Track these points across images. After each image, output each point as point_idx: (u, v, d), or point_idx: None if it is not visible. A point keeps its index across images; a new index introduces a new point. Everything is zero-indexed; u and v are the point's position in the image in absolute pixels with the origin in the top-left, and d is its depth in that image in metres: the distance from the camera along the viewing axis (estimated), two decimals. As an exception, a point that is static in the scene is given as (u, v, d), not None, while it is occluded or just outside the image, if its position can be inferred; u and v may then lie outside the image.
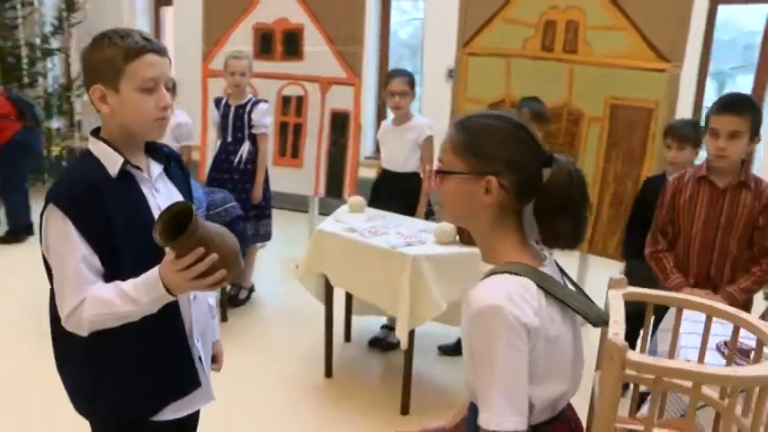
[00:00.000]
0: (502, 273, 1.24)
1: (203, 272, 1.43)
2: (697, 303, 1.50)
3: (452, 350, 3.76)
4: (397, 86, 3.74)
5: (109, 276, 1.52)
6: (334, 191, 4.93)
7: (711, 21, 5.10)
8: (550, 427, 1.30)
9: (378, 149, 4.51)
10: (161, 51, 1.54)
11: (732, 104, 2.43)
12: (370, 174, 4.30)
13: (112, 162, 1.54)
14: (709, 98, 5.16)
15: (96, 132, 1.60)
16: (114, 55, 1.48)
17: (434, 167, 1.51)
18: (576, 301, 1.29)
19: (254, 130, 4.14)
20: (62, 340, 1.62)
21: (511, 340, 1.17)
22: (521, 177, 1.27)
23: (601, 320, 1.31)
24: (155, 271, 1.47)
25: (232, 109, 4.16)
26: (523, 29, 3.96)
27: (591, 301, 1.36)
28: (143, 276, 1.49)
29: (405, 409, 3.21)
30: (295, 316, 4.24)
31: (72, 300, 1.49)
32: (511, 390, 1.18)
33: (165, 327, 1.62)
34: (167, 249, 1.45)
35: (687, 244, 2.58)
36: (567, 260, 3.62)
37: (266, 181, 4.27)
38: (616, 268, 3.68)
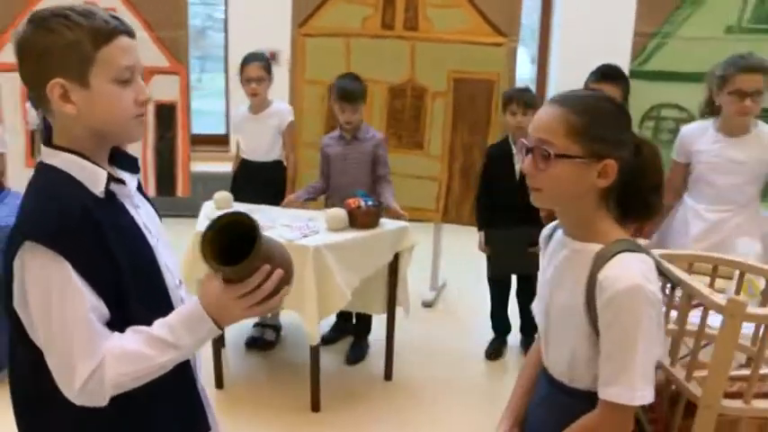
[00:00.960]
0: (623, 251, 1.27)
1: (269, 293, 1.23)
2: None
3: (331, 339, 3.70)
4: (253, 72, 3.54)
5: (117, 326, 1.22)
6: (165, 189, 4.55)
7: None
8: None
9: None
10: (131, 33, 1.26)
11: (606, 74, 2.70)
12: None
13: (93, 178, 1.23)
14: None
15: (49, 142, 1.26)
16: (79, 39, 1.17)
17: (535, 147, 1.32)
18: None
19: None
20: (39, 413, 1.29)
21: (651, 316, 1.23)
22: (628, 158, 1.30)
23: None
24: (194, 304, 1.23)
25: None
26: (362, 8, 3.97)
27: None
28: (179, 314, 1.24)
29: (315, 407, 3.11)
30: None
31: (86, 365, 1.16)
32: (649, 363, 1.24)
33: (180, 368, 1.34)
34: (208, 276, 1.24)
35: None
36: (423, 229, 3.80)
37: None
38: (467, 236, 3.90)
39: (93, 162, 1.24)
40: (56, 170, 1.23)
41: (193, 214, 3.33)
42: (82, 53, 1.18)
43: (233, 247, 1.20)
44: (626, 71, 3.54)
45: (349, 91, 3.32)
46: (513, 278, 3.65)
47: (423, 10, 3.89)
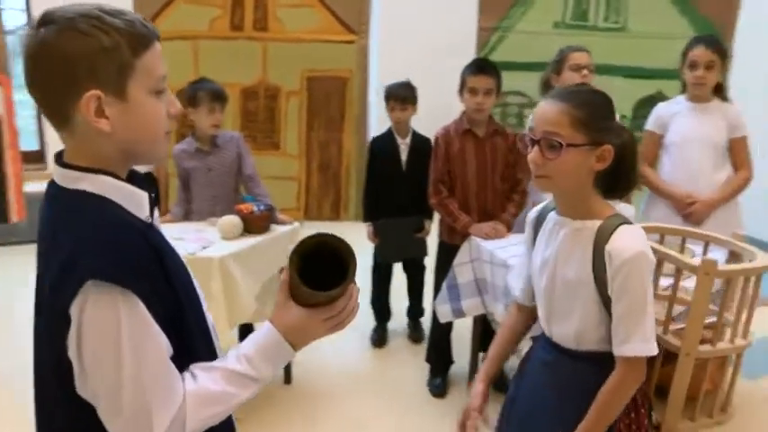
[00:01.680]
0: (621, 224, 1.47)
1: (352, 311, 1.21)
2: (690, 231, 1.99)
3: None
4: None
5: (175, 362, 1.08)
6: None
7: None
8: None
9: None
10: (160, 38, 1.14)
11: (483, 67, 2.95)
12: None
13: (135, 201, 1.10)
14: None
15: (62, 162, 1.09)
16: (118, 44, 1.02)
17: (543, 139, 1.48)
18: None
19: None
20: None
21: (651, 278, 1.46)
22: (617, 142, 1.49)
23: None
24: (271, 332, 1.16)
25: None
26: (209, 9, 3.86)
27: None
28: (255, 344, 1.15)
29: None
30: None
31: (165, 415, 1.03)
32: (653, 318, 1.47)
33: None
34: (285, 301, 1.17)
35: (465, 188, 3.04)
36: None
37: None
38: (336, 231, 3.98)
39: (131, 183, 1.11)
40: (90, 195, 1.06)
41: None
42: (121, 61, 1.02)
43: (306, 267, 1.14)
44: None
45: (220, 90, 3.23)
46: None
47: (273, 10, 3.89)
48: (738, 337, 1.70)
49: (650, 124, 3.13)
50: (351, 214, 4.26)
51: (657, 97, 3.63)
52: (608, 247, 1.45)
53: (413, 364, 3.50)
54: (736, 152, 2.97)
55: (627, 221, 1.50)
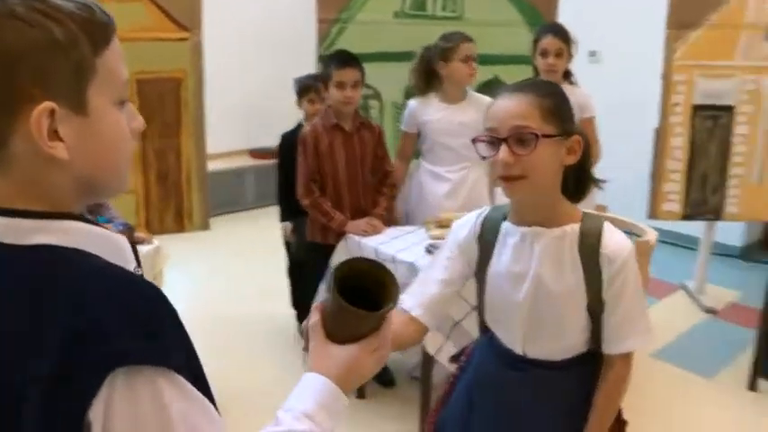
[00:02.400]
0: (603, 223, 1.45)
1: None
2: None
3: None
4: None
5: None
6: None
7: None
8: None
9: None
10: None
11: (348, 60, 2.86)
12: None
13: (117, 249, 0.83)
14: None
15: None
16: (75, 39, 0.75)
17: (512, 135, 1.37)
18: None
19: None
20: None
21: None
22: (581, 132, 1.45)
23: None
24: (323, 382, 0.96)
25: None
26: None
27: None
28: (313, 399, 0.94)
29: None
30: None
31: None
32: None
33: None
34: (320, 344, 1.01)
35: (337, 184, 2.93)
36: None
37: None
38: (177, 241, 3.71)
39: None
40: (58, 251, 0.76)
41: None
42: (80, 60, 0.75)
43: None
44: (314, 56, 3.75)
45: None
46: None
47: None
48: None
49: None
50: (196, 224, 3.95)
51: (495, 82, 3.77)
52: (604, 251, 1.41)
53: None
54: (586, 131, 3.16)
55: (603, 219, 1.48)
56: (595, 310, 1.46)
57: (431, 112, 3.03)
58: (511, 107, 1.39)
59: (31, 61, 0.73)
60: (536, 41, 3.12)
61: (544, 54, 3.07)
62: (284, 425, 0.91)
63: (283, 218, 3.55)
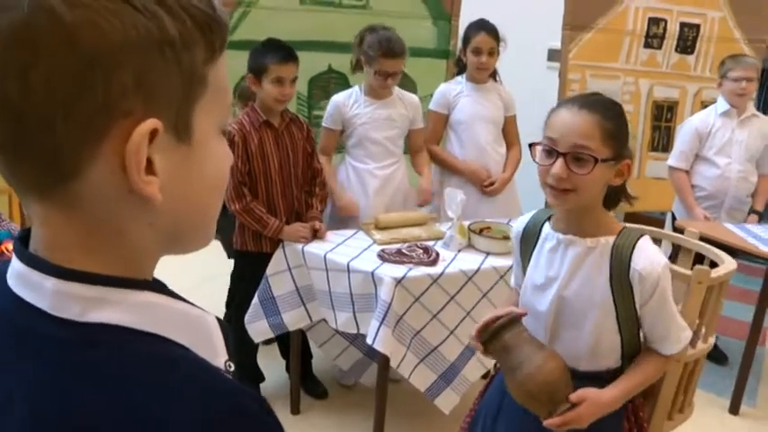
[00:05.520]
0: (640, 237, 1.46)
1: None
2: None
3: None
4: None
5: None
6: None
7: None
8: None
9: None
10: None
11: (291, 55, 2.63)
12: None
13: (204, 334, 0.60)
14: None
15: (53, 266, 0.54)
16: (191, 39, 0.54)
17: (571, 152, 1.39)
18: None
19: None
20: None
21: None
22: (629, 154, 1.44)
23: None
24: None
25: None
26: None
27: None
28: None
29: None
30: None
31: None
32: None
33: None
34: None
35: (269, 186, 2.68)
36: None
37: None
38: None
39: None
40: (123, 334, 0.53)
41: None
42: (192, 70, 0.55)
43: None
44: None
45: None
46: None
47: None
48: (700, 341, 1.83)
49: (435, 105, 3.17)
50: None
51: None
52: (636, 267, 1.42)
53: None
54: (509, 129, 3.21)
55: (639, 233, 1.49)
56: (626, 322, 1.48)
57: (356, 107, 2.89)
58: (574, 124, 1.39)
59: (136, 61, 0.50)
60: (467, 38, 3.08)
61: (476, 52, 3.04)
62: None
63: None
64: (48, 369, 0.51)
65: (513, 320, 1.46)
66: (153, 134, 0.52)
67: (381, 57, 2.77)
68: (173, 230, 0.59)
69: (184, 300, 0.60)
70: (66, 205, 0.54)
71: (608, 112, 1.41)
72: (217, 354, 0.60)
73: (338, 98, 2.94)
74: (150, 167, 0.53)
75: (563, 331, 1.54)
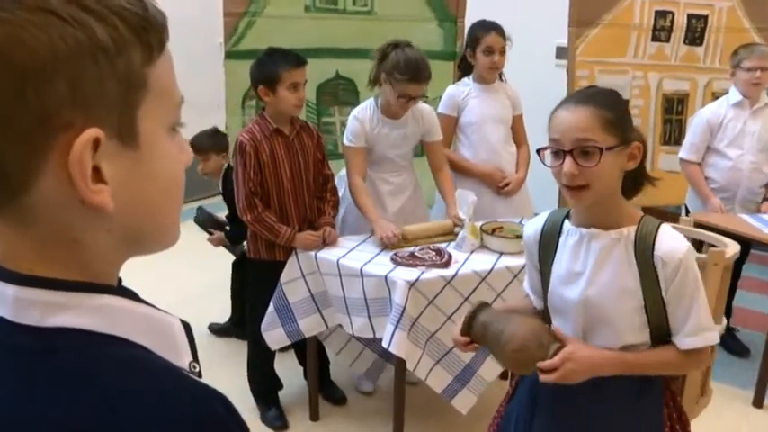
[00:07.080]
0: (660, 224, 1.46)
1: None
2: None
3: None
4: None
5: None
6: None
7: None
8: None
9: None
10: None
11: (303, 60, 2.64)
12: None
13: (167, 337, 0.62)
14: None
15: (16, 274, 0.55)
16: (124, 43, 0.54)
17: (576, 148, 1.40)
18: None
19: None
20: None
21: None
22: (639, 137, 1.46)
23: None
24: None
25: None
26: None
27: None
28: None
29: None
30: None
31: None
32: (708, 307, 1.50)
33: None
34: None
35: (282, 195, 2.69)
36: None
37: None
38: None
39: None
40: (86, 337, 0.55)
41: None
42: (128, 73, 0.55)
43: None
44: (221, 53, 3.45)
45: None
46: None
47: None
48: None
49: (444, 108, 3.16)
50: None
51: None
52: (658, 253, 1.42)
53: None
54: (518, 128, 3.21)
55: (660, 220, 1.49)
56: (654, 311, 1.47)
57: (377, 127, 2.82)
58: (571, 120, 1.41)
59: (69, 72, 0.51)
60: (477, 38, 3.07)
61: (489, 52, 3.04)
62: None
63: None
64: (11, 377, 0.53)
65: (483, 304, 1.60)
66: (96, 143, 0.52)
67: (407, 81, 2.66)
68: (132, 234, 0.60)
69: (149, 304, 0.61)
70: (19, 220, 0.54)
71: (603, 101, 1.43)
72: (180, 355, 0.62)
73: (359, 115, 2.82)
74: (99, 176, 0.54)
75: (594, 324, 1.53)
